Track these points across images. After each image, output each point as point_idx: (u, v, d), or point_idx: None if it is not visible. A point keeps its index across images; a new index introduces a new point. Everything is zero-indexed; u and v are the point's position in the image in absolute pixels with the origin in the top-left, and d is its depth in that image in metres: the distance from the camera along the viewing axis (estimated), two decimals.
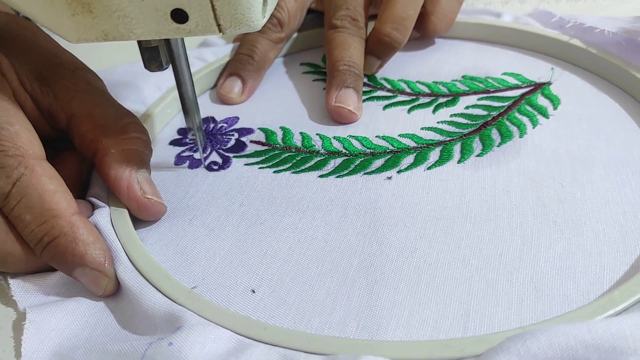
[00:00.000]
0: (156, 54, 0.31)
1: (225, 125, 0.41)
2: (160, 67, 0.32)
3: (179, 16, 0.26)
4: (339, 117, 0.39)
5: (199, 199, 0.34)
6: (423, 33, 0.47)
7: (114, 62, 0.46)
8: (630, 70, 0.39)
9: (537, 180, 0.33)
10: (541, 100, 0.40)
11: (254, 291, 0.28)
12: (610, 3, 0.55)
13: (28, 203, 0.28)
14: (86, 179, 0.35)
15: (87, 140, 0.32)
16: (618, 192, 0.32)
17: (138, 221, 0.33)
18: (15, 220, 0.28)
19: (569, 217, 0.31)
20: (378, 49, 0.43)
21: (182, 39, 0.31)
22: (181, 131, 0.41)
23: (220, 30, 0.27)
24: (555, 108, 0.39)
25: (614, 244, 0.29)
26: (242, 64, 0.44)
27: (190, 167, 0.37)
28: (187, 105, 0.34)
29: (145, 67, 0.32)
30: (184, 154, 0.38)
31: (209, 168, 0.37)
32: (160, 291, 0.27)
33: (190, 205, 0.34)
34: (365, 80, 0.44)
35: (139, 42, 0.30)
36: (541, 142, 0.36)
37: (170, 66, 0.32)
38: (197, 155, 0.38)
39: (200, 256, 0.30)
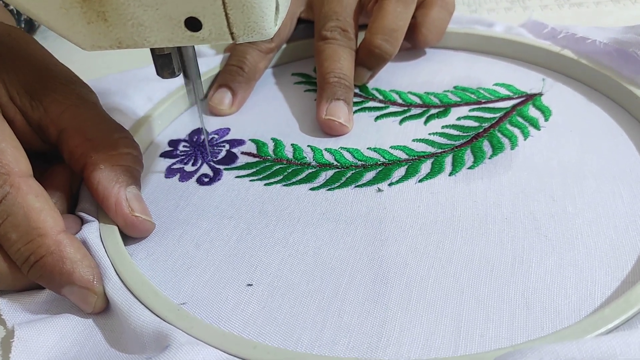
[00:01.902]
0: (169, 61, 0.31)
1: (216, 136, 0.41)
2: (172, 74, 0.32)
3: (193, 24, 0.26)
4: (329, 130, 0.39)
5: (189, 213, 0.34)
6: (414, 44, 0.47)
7: (122, 65, 0.46)
8: (621, 81, 0.39)
9: (529, 193, 0.33)
10: (532, 112, 0.40)
11: (250, 285, 0.29)
12: (612, 9, 0.56)
13: (14, 222, 0.27)
14: (76, 193, 0.35)
15: (76, 155, 0.31)
16: (609, 206, 0.32)
17: (127, 236, 0.32)
18: (1, 240, 0.28)
19: (560, 232, 0.30)
20: (369, 60, 0.43)
21: (194, 46, 0.32)
22: (172, 143, 0.40)
23: (233, 39, 0.27)
24: (546, 119, 0.39)
25: (605, 259, 0.29)
26: (232, 75, 0.43)
27: (181, 179, 0.37)
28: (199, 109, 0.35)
29: (158, 74, 0.32)
30: (175, 167, 0.38)
31: (199, 181, 0.37)
32: (148, 308, 0.27)
33: (180, 219, 0.34)
34: (357, 90, 0.44)
35: (152, 50, 0.31)
36: (532, 154, 0.36)
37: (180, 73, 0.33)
38: (187, 168, 0.38)
39: (190, 272, 0.30)
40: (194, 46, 0.33)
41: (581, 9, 0.56)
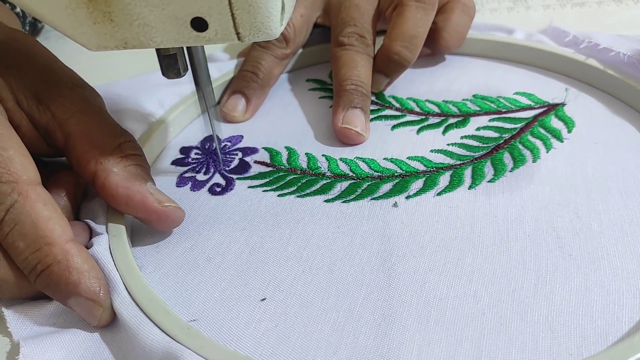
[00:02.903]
0: (174, 62, 0.31)
1: (229, 144, 0.40)
2: (178, 75, 0.31)
3: (199, 25, 0.26)
4: (345, 139, 0.38)
5: (200, 224, 0.33)
6: (434, 49, 0.45)
7: (125, 67, 0.45)
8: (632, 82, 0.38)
9: (552, 209, 0.32)
10: (555, 123, 0.38)
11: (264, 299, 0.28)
12: (614, 9, 0.55)
13: (21, 230, 0.27)
14: (81, 200, 0.34)
15: (84, 162, 0.31)
16: (636, 223, 0.30)
17: (136, 247, 0.32)
18: (8, 248, 0.27)
19: (585, 250, 0.29)
20: (387, 66, 0.42)
21: (203, 46, 0.31)
22: (184, 150, 0.40)
23: (239, 39, 0.27)
24: (569, 131, 0.38)
25: (633, 281, 0.28)
26: (246, 82, 0.43)
27: (193, 189, 0.36)
28: (209, 112, 0.35)
29: (163, 74, 0.32)
30: (187, 175, 0.37)
31: (211, 191, 0.36)
32: (158, 326, 0.26)
33: (191, 231, 0.33)
34: (373, 98, 0.43)
35: (158, 50, 0.30)
36: (555, 167, 0.35)
37: (188, 73, 0.32)
38: (199, 177, 0.37)
39: (201, 287, 0.29)
40: (204, 51, 0.32)
41: (583, 9, 0.56)
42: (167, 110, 0.41)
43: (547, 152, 0.36)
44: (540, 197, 0.33)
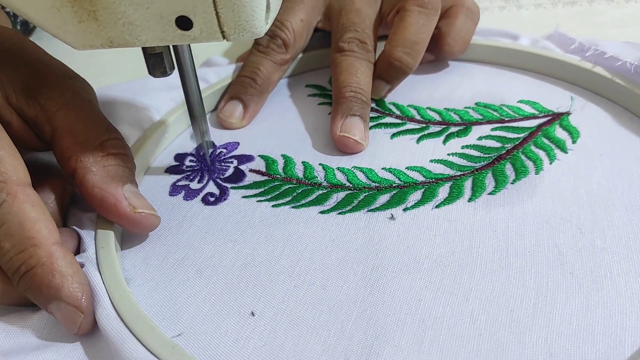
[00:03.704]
0: (160, 60, 0.31)
1: (224, 150, 0.39)
2: (164, 73, 0.31)
3: (184, 23, 0.26)
4: (343, 147, 0.37)
5: (192, 235, 0.32)
6: (438, 55, 0.44)
7: (117, 68, 0.44)
8: None
9: (554, 224, 0.31)
10: (559, 133, 0.37)
11: (253, 314, 0.27)
12: (606, 8, 0.55)
13: (8, 230, 0.26)
14: (69, 206, 0.34)
15: (66, 157, 0.30)
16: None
17: (125, 258, 0.31)
18: None
19: (588, 269, 0.28)
20: (388, 73, 0.41)
21: (189, 45, 0.31)
22: (178, 157, 0.39)
23: (224, 37, 0.27)
24: (574, 142, 0.37)
25: (637, 301, 0.26)
26: (244, 88, 0.42)
27: (186, 198, 0.35)
28: (194, 111, 0.34)
29: (150, 73, 0.31)
30: (180, 183, 0.36)
31: (204, 200, 0.35)
32: (142, 344, 0.25)
33: (182, 242, 0.32)
34: (373, 105, 0.42)
35: (144, 49, 0.30)
36: (558, 180, 0.34)
37: (177, 73, 0.33)
38: (193, 185, 0.36)
39: (190, 301, 0.28)
40: (190, 50, 0.32)
41: (575, 8, 0.56)
42: (163, 116, 0.40)
43: (551, 163, 0.35)
44: (542, 211, 0.32)
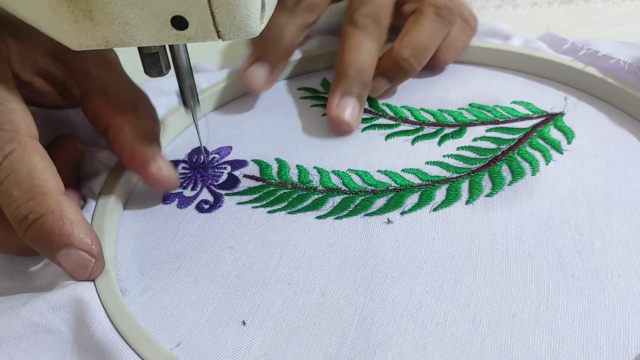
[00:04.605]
0: (156, 60, 0.31)
1: (217, 156, 0.38)
2: (160, 73, 0.32)
3: (179, 23, 0.26)
4: (335, 125, 0.39)
5: (187, 244, 0.32)
6: (431, 63, 0.43)
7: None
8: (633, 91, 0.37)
9: (553, 226, 0.31)
10: (554, 133, 0.37)
11: (244, 323, 0.27)
12: (602, 6, 0.55)
13: (17, 178, 0.27)
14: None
15: (99, 116, 0.33)
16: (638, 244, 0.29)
17: (120, 269, 0.30)
18: (1, 196, 0.27)
19: (589, 270, 0.28)
20: (392, 71, 0.40)
21: (185, 45, 0.32)
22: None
23: (219, 37, 0.27)
24: (569, 142, 0.36)
25: (639, 303, 0.26)
26: (270, 50, 0.41)
27: (180, 206, 0.35)
28: (189, 105, 0.35)
29: (146, 72, 0.32)
30: (173, 191, 0.36)
31: (199, 208, 0.34)
32: (140, 357, 0.25)
33: (177, 251, 0.31)
34: (366, 106, 0.42)
35: (139, 48, 0.31)
36: (555, 181, 0.34)
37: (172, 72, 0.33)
38: (187, 193, 0.36)
39: (187, 312, 0.28)
40: (186, 49, 0.32)
41: (570, 7, 0.56)
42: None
43: (547, 164, 0.35)
44: (540, 212, 0.32)
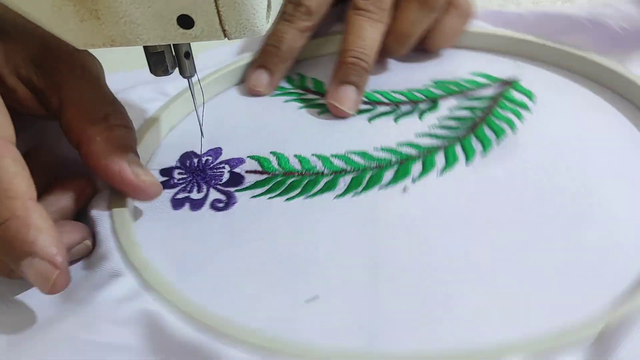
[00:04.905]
0: (162, 59, 0.31)
1: (210, 158, 0.38)
2: (165, 72, 0.32)
3: (185, 22, 0.27)
4: (333, 112, 0.41)
5: (219, 242, 0.31)
6: (426, 48, 0.46)
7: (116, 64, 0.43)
8: (596, 59, 0.42)
9: (548, 169, 0.34)
10: (517, 96, 0.41)
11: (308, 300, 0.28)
12: (608, 1, 0.55)
13: None
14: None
15: (71, 128, 0.32)
16: (626, 171, 0.34)
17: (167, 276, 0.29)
18: None
19: (596, 199, 0.32)
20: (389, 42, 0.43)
21: (190, 44, 0.32)
22: (164, 172, 0.37)
23: (225, 36, 0.27)
24: (533, 102, 0.41)
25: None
26: (270, 56, 0.43)
27: (193, 209, 0.34)
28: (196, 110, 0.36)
29: (151, 71, 0.32)
30: (179, 196, 0.35)
31: (214, 207, 0.34)
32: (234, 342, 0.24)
33: (213, 249, 0.31)
34: None
35: (145, 47, 0.31)
36: (533, 134, 0.37)
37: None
38: (194, 196, 0.35)
39: (259, 297, 0.28)
40: (191, 48, 0.32)
41: (574, 4, 0.57)
42: (141, 125, 0.39)
43: (521, 122, 0.39)
44: (533, 160, 0.35)
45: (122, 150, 0.31)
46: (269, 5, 0.28)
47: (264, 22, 0.27)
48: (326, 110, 0.42)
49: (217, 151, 0.39)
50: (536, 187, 0.33)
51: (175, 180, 0.36)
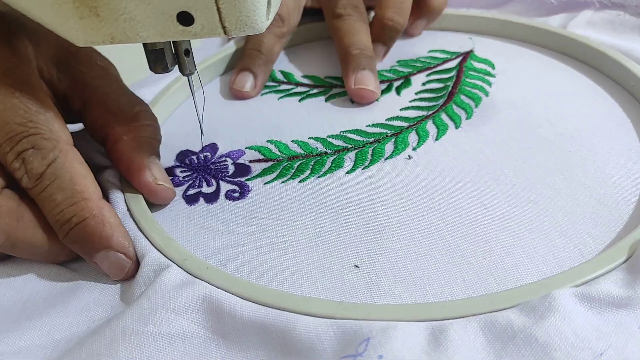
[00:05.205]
0: (162, 56, 0.31)
1: (209, 154, 0.38)
2: (165, 69, 0.32)
3: (185, 19, 0.26)
4: (361, 99, 0.42)
5: (247, 228, 0.32)
6: (425, 14, 0.48)
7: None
8: (538, 25, 0.46)
9: (531, 124, 0.38)
10: (477, 65, 0.45)
11: (357, 266, 0.29)
12: None
13: (60, 184, 0.28)
14: None
15: (98, 125, 0.33)
16: (593, 114, 0.38)
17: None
18: (45, 201, 0.29)
19: (578, 145, 0.35)
20: (383, 34, 0.45)
21: (189, 40, 0.32)
22: (167, 171, 0.36)
23: (225, 33, 0.27)
24: (494, 68, 0.44)
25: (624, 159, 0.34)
26: (252, 59, 0.44)
27: (208, 202, 0.34)
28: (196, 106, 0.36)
29: (151, 69, 0.32)
30: (191, 192, 0.35)
31: (229, 197, 0.34)
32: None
33: (242, 237, 0.31)
34: (320, 81, 0.45)
35: (145, 45, 0.31)
36: (505, 95, 0.41)
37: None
38: (205, 190, 0.35)
39: (307, 270, 0.29)
40: (191, 45, 0.33)
41: None
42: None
43: (490, 87, 0.42)
44: (513, 117, 0.38)
45: (146, 151, 0.32)
46: (269, 2, 0.28)
47: (264, 19, 0.27)
48: (306, 97, 0.43)
49: (213, 146, 0.39)
50: (525, 139, 0.36)
51: (180, 179, 0.36)
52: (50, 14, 0.26)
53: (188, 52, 0.32)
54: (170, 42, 0.31)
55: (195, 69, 0.33)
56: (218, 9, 0.26)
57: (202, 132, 0.37)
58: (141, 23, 0.26)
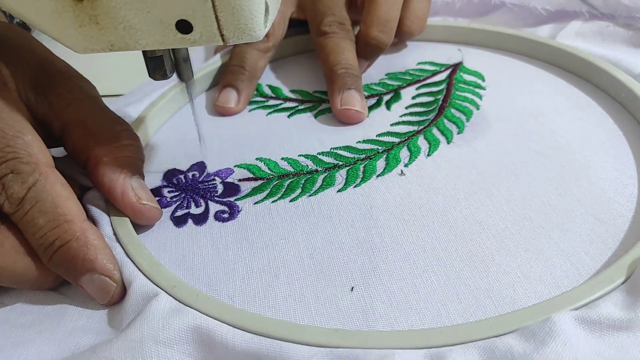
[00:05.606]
0: (161, 64, 0.31)
1: (196, 173, 0.37)
2: (164, 76, 0.32)
3: (184, 27, 0.27)
4: (347, 119, 0.41)
5: (237, 250, 0.31)
6: (399, 37, 0.48)
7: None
8: (526, 35, 0.46)
9: (522, 137, 0.37)
10: (467, 77, 0.44)
11: (353, 288, 0.28)
12: None
13: (42, 208, 0.28)
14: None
15: (79, 148, 0.32)
16: (584, 126, 0.37)
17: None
18: (27, 225, 0.28)
19: (568, 160, 0.35)
20: (365, 51, 0.45)
21: (187, 48, 0.32)
22: (154, 192, 0.35)
23: (223, 40, 0.27)
24: (483, 80, 0.44)
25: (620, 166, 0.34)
26: (235, 75, 0.44)
27: (197, 224, 0.33)
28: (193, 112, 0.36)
29: (150, 76, 0.32)
30: (178, 214, 0.34)
31: (219, 219, 0.33)
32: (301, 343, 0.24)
33: (233, 260, 0.30)
34: (308, 96, 0.44)
35: (144, 52, 0.31)
36: (497, 108, 0.40)
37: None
38: (194, 211, 0.34)
39: (301, 294, 0.28)
40: (188, 53, 0.33)
41: None
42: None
43: (481, 100, 0.42)
44: (504, 131, 0.38)
45: (128, 171, 0.31)
46: (267, 10, 0.28)
47: (262, 27, 0.27)
48: (295, 112, 0.42)
49: (200, 165, 0.38)
50: (517, 154, 0.36)
51: (168, 199, 0.35)
52: (50, 22, 0.27)
53: (186, 59, 0.33)
54: (169, 49, 0.31)
55: (192, 75, 0.33)
56: (216, 17, 0.26)
57: (200, 139, 0.37)
58: (140, 31, 0.27)
